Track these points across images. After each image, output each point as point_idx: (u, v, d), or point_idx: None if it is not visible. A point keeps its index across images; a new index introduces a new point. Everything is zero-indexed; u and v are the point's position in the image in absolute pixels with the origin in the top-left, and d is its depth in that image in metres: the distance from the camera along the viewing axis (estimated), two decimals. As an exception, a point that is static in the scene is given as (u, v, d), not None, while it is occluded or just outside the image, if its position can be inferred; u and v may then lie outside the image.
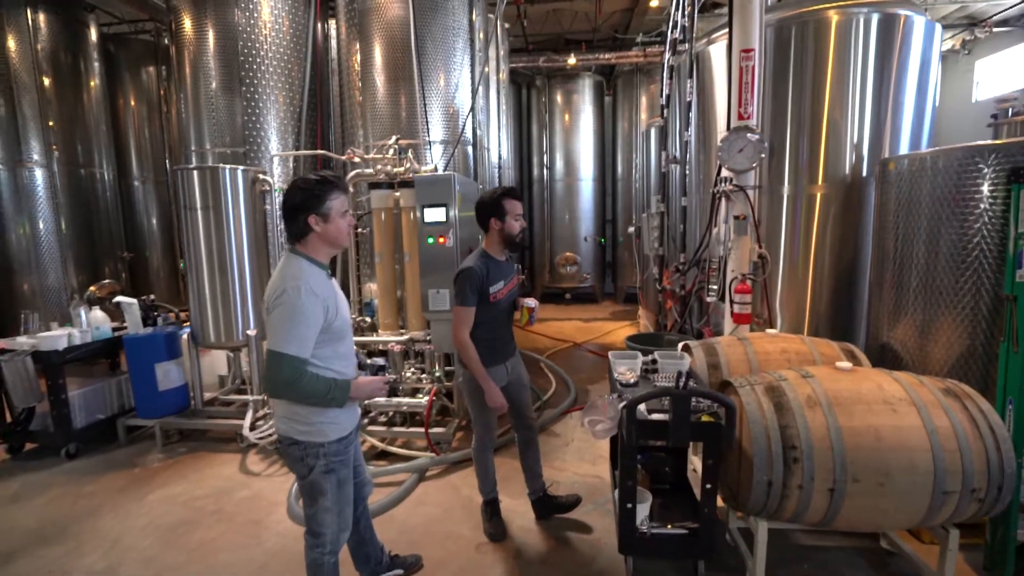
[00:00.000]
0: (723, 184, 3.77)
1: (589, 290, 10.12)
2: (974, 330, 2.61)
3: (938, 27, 4.01)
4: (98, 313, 4.43)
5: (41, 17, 6.47)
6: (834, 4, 3.86)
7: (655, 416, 2.25)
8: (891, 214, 3.06)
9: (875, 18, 3.78)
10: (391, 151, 4.65)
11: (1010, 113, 5.85)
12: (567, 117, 10.00)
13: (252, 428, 4.11)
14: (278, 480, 3.67)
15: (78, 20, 6.94)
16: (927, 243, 2.79)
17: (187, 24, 5.38)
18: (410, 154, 4.68)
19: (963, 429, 2.06)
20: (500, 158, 7.75)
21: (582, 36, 9.67)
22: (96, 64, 7.18)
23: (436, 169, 4.90)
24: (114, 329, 4.53)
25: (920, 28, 3.87)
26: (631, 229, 6.84)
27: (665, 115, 5.51)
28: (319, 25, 5.78)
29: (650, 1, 8.09)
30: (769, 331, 3.36)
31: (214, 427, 4.38)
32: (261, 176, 4.52)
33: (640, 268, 6.56)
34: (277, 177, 5.28)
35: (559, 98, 10.00)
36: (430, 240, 4.03)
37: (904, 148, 3.88)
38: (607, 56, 8.93)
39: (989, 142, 2.67)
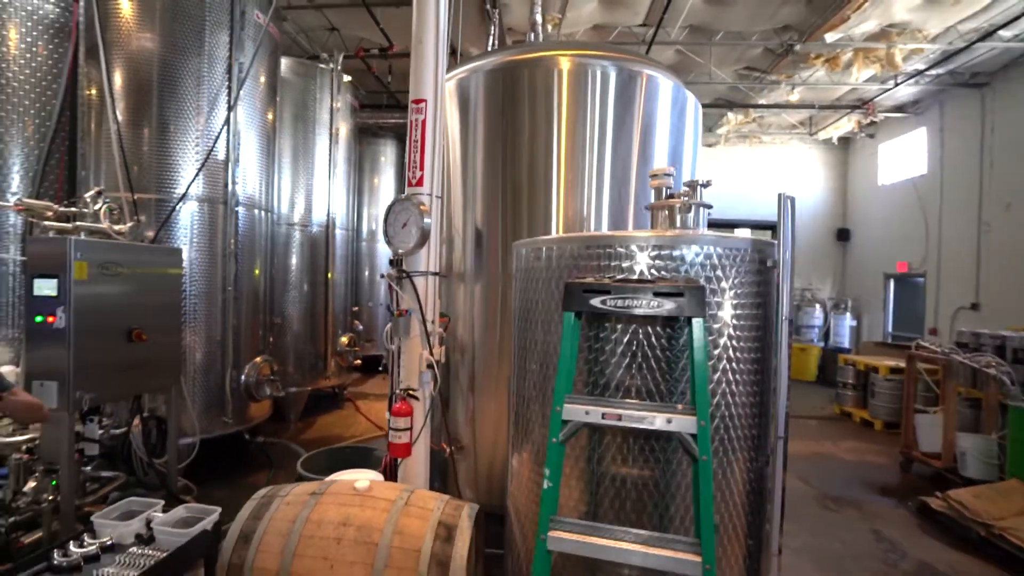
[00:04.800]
0: (392, 268, 2.92)
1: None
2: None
3: (691, 98, 3.36)
4: None
5: None
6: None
7: None
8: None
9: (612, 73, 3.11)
10: (100, 205, 3.84)
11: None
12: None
13: None
14: None
15: None
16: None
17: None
18: (128, 210, 3.88)
19: None
20: (329, 215, 7.03)
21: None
22: None
23: (138, 225, 4.05)
24: None
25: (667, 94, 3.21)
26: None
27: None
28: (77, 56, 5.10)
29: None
30: (358, 482, 2.35)
31: None
32: None
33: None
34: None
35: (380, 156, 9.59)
36: (39, 319, 3.10)
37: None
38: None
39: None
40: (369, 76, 7.87)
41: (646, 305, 1.35)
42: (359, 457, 3.58)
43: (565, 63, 3.05)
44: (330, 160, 6.81)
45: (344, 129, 7.12)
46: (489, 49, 5.03)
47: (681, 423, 1.29)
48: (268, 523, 2.06)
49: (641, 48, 7.26)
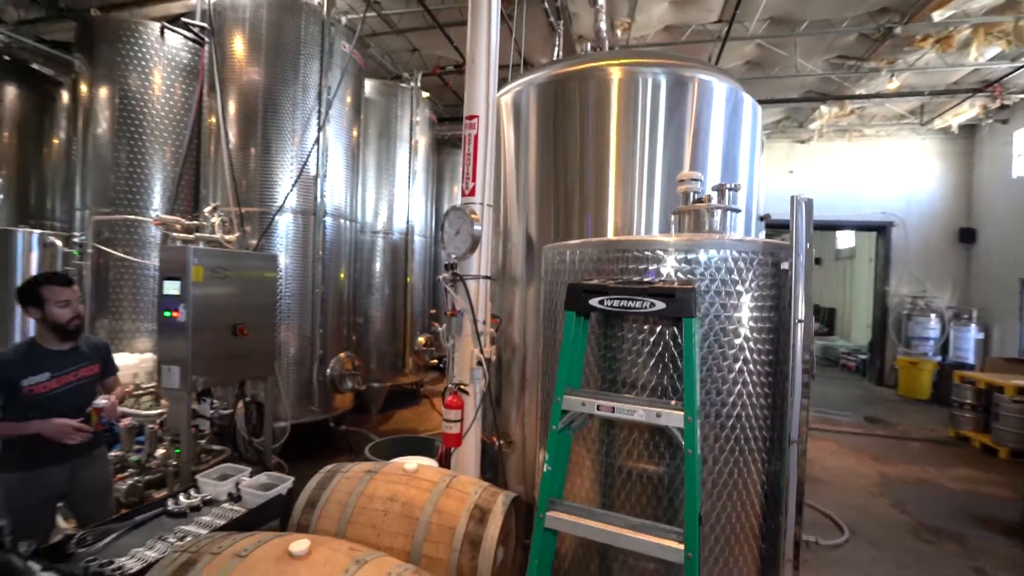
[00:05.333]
0: (446, 271, 3.17)
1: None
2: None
3: (748, 99, 3.28)
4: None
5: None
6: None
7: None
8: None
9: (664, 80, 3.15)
10: (216, 219, 4.56)
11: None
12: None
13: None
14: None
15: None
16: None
17: (84, 87, 5.75)
18: (236, 222, 4.57)
19: None
20: (409, 223, 7.53)
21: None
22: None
23: (244, 234, 4.69)
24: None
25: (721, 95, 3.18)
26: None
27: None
28: (203, 92, 5.98)
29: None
30: (423, 463, 2.61)
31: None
32: (54, 241, 4.52)
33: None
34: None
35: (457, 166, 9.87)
36: (166, 314, 3.73)
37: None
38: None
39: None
40: (446, 91, 8.34)
41: (640, 305, 1.43)
42: (421, 446, 3.87)
43: (615, 73, 3.13)
44: (410, 171, 7.32)
45: (423, 142, 7.62)
46: (554, 59, 5.18)
47: (670, 418, 1.35)
48: (330, 493, 2.36)
49: (716, 46, 7.02)
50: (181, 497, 2.34)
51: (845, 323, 15.81)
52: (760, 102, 8.67)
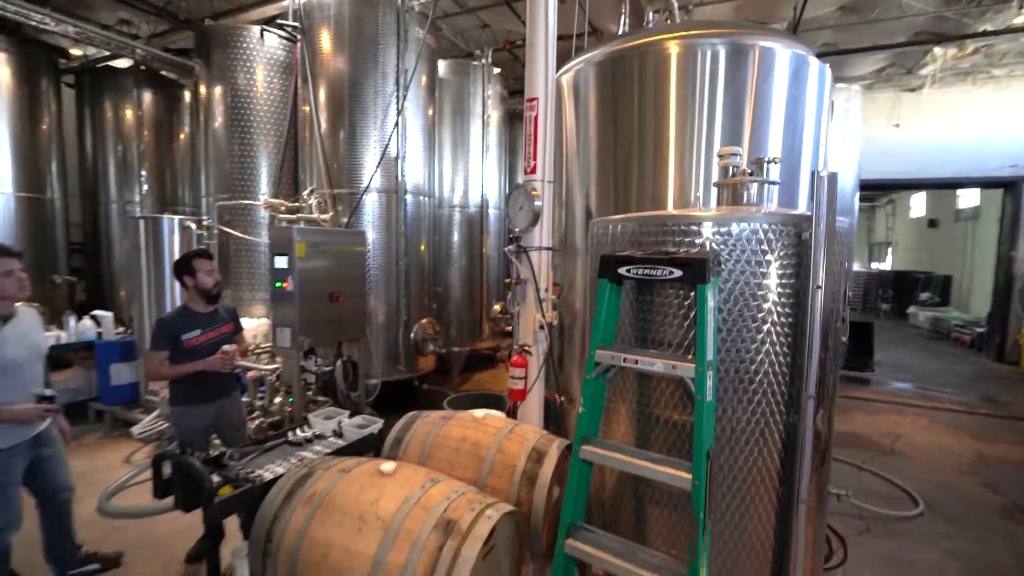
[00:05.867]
0: (511, 244, 3.46)
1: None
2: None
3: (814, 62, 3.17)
4: (86, 321, 5.67)
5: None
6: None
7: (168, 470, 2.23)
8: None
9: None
10: (314, 200, 5.20)
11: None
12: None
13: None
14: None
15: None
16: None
17: (202, 88, 6.63)
18: (329, 202, 5.20)
19: (414, 570, 1.70)
20: (483, 196, 7.86)
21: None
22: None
23: (336, 213, 5.28)
24: (99, 334, 5.75)
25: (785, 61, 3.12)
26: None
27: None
28: (297, 85, 6.64)
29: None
30: (491, 413, 2.97)
31: (131, 419, 5.27)
32: (190, 224, 5.37)
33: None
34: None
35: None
36: (278, 285, 4.39)
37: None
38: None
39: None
40: (516, 64, 8.46)
41: (661, 273, 1.61)
42: (492, 401, 4.28)
43: (672, 47, 3.16)
44: (483, 146, 7.62)
45: (495, 116, 7.87)
46: (621, 28, 5.17)
47: (683, 369, 1.55)
48: (412, 433, 2.81)
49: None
50: (297, 431, 2.90)
51: (963, 292, 14.15)
52: (858, 51, 7.91)
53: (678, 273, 1.58)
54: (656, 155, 3.27)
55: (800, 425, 1.65)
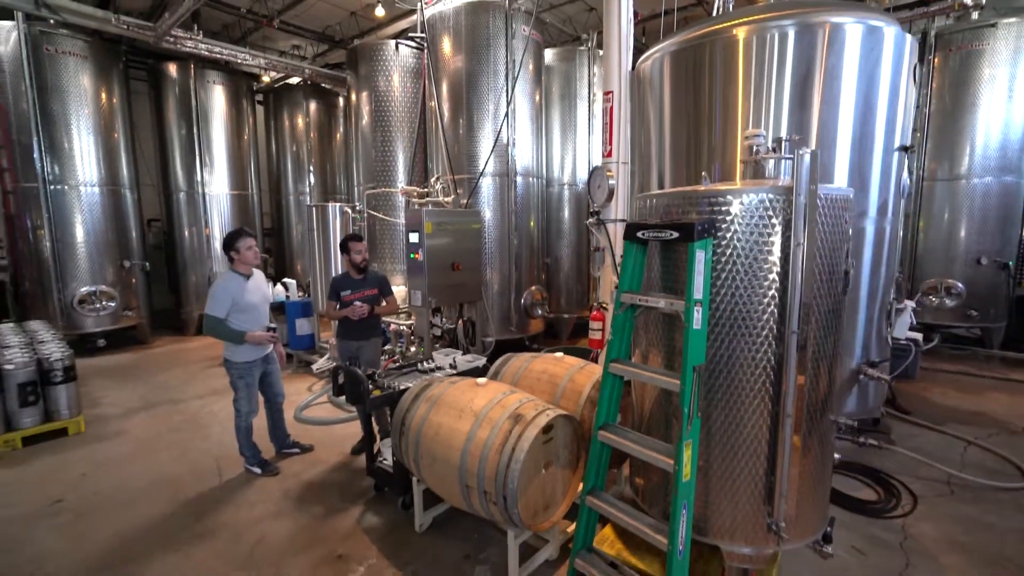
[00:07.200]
0: (591, 217, 4.04)
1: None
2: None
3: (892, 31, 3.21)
4: (279, 287, 7.48)
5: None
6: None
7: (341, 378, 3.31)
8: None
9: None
10: (439, 186, 6.29)
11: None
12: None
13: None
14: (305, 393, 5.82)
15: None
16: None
17: (353, 96, 8.08)
18: (451, 186, 6.24)
19: (492, 444, 2.49)
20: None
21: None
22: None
23: (457, 196, 6.27)
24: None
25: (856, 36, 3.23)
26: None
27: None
28: (425, 86, 7.74)
29: None
30: (558, 355, 3.63)
31: (310, 360, 6.92)
32: (347, 210, 6.76)
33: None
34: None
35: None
36: (411, 256, 5.49)
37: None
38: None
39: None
40: (623, 43, 8.68)
41: (664, 235, 2.12)
42: (580, 353, 4.93)
43: (740, 33, 3.43)
44: (589, 127, 8.09)
45: (599, 96, 8.26)
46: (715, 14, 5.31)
47: (678, 306, 2.06)
48: (506, 368, 3.62)
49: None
50: (424, 363, 3.89)
51: None
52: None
53: (676, 235, 2.09)
54: (724, 138, 3.59)
55: (785, 355, 2.07)
